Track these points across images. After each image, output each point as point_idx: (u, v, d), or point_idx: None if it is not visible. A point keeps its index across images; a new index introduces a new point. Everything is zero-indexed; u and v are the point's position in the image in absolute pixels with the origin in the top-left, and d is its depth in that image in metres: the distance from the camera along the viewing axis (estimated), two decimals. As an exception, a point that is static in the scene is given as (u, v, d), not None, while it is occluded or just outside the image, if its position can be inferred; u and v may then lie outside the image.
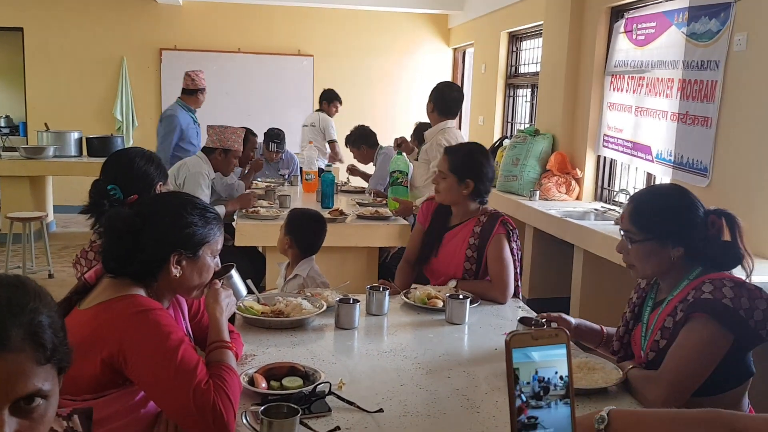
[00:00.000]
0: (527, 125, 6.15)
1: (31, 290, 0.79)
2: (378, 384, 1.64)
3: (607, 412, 1.11)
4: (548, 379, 0.91)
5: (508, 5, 6.39)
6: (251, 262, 3.92)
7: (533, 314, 2.30)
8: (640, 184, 4.48)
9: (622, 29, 4.55)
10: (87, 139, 6.52)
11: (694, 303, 1.58)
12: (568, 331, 0.95)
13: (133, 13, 7.79)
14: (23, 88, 7.88)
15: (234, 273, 1.75)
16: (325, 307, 2.09)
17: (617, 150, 4.58)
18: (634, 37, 4.39)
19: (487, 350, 1.93)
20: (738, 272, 1.66)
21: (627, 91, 4.48)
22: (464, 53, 8.37)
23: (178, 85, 7.98)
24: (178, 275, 1.52)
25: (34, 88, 7.76)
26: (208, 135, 3.93)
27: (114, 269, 1.51)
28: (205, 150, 3.94)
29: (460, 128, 7.35)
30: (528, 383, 0.90)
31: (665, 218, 1.67)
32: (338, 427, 1.39)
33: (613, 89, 4.66)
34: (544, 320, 1.87)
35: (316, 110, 6.55)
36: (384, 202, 4.30)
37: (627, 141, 4.44)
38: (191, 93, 5.11)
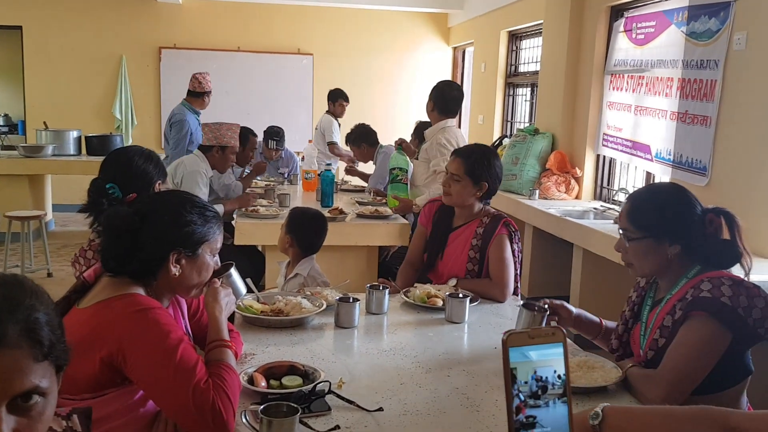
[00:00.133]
0: (527, 124, 6.15)
1: (28, 288, 0.79)
2: (378, 383, 1.64)
3: (601, 408, 1.11)
4: (546, 378, 0.91)
5: (507, 4, 6.39)
6: (251, 261, 3.92)
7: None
8: (640, 184, 4.48)
9: (621, 28, 4.54)
10: (86, 137, 6.51)
11: (692, 301, 1.58)
12: (564, 330, 0.94)
13: (133, 11, 7.78)
14: (22, 87, 7.88)
15: (233, 271, 1.75)
16: (324, 306, 2.09)
17: (617, 149, 4.58)
18: (633, 36, 4.39)
19: (486, 349, 1.93)
20: (737, 271, 1.66)
21: (626, 90, 4.48)
22: (464, 52, 8.37)
23: (178, 84, 7.97)
24: (177, 274, 1.52)
25: (33, 86, 7.75)
26: (204, 133, 3.92)
27: (113, 268, 1.50)
28: (202, 148, 3.93)
29: (460, 127, 7.35)
30: (526, 382, 0.90)
31: (661, 216, 1.68)
32: (338, 426, 1.39)
33: (613, 88, 4.65)
34: (546, 305, 1.87)
35: (325, 111, 6.53)
36: (384, 201, 4.29)
37: (626, 140, 4.44)
38: (197, 95, 5.08)
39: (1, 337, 0.73)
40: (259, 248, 4.27)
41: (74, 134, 6.54)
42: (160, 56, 7.89)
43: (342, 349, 1.91)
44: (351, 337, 1.98)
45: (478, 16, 7.29)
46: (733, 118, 3.40)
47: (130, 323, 1.40)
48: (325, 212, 3.32)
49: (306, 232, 2.71)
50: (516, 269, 2.50)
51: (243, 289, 1.81)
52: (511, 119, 6.71)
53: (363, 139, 5.23)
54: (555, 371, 0.92)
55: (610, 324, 1.96)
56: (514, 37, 6.61)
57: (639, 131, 4.29)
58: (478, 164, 2.47)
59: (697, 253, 1.66)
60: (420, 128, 4.63)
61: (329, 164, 4.62)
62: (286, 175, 5.46)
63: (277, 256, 3.22)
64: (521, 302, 1.93)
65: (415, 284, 2.44)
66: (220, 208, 3.70)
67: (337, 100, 6.44)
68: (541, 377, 0.91)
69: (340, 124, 6.39)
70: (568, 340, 2.00)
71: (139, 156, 2.20)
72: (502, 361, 0.89)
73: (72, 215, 7.05)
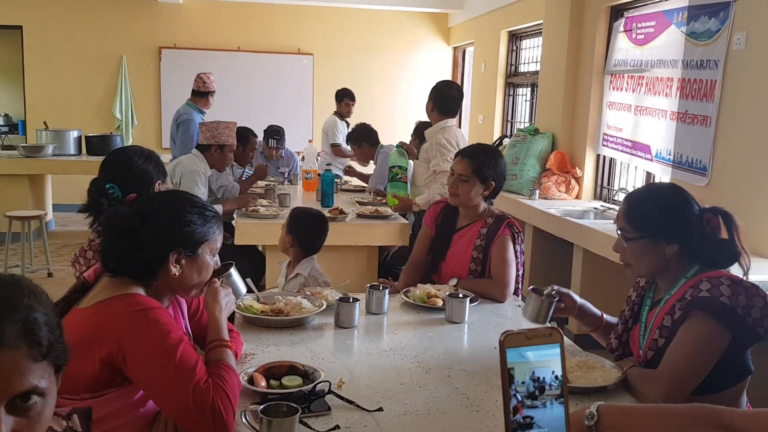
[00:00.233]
0: (527, 124, 6.15)
1: (26, 288, 0.79)
2: (377, 383, 1.64)
3: (596, 408, 1.11)
4: (543, 378, 0.92)
5: (507, 4, 6.39)
6: (251, 261, 3.92)
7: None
8: (640, 183, 4.48)
9: (621, 28, 4.54)
10: (86, 137, 6.51)
11: (691, 301, 1.58)
12: (561, 331, 0.95)
13: (133, 11, 7.78)
14: (22, 87, 7.88)
15: (233, 271, 1.75)
16: (324, 306, 2.09)
17: (617, 149, 4.58)
18: (633, 36, 4.39)
19: (486, 349, 1.93)
20: (735, 270, 1.66)
21: (626, 90, 4.48)
22: (464, 52, 8.37)
23: (178, 84, 7.97)
24: (177, 274, 1.52)
25: (33, 86, 7.75)
26: (201, 132, 3.89)
27: (113, 268, 1.50)
28: (200, 147, 3.90)
29: (460, 127, 7.35)
30: (523, 383, 0.90)
31: (658, 216, 1.68)
32: (338, 426, 1.39)
33: (613, 88, 4.65)
34: (554, 292, 1.89)
35: (333, 112, 6.50)
36: (384, 200, 4.29)
37: (626, 140, 4.44)
38: (202, 95, 5.13)
39: (0, 337, 0.73)
40: (260, 248, 4.27)
41: (74, 134, 6.54)
42: (161, 56, 7.89)
43: (342, 349, 1.91)
44: (351, 337, 1.98)
45: (478, 16, 7.29)
46: (733, 118, 3.40)
47: (130, 323, 1.40)
48: (326, 212, 3.32)
49: (307, 232, 2.72)
50: (518, 270, 2.51)
51: (243, 289, 1.81)
52: (512, 119, 6.71)
53: (364, 138, 5.22)
54: (552, 372, 0.92)
55: (611, 319, 1.97)
56: (515, 37, 6.61)
57: (639, 131, 4.29)
58: (485, 163, 2.49)
59: (696, 253, 1.67)
60: (420, 128, 4.63)
61: (329, 164, 4.62)
62: (286, 175, 5.46)
63: (277, 256, 3.23)
64: (531, 287, 1.93)
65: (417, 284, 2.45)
66: (218, 209, 3.69)
67: (342, 99, 6.41)
68: (539, 378, 0.91)
69: (348, 124, 6.33)
70: (568, 340, 2.01)
71: (139, 156, 2.20)
72: (500, 362, 0.89)
73: (72, 215, 7.05)
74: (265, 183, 5.00)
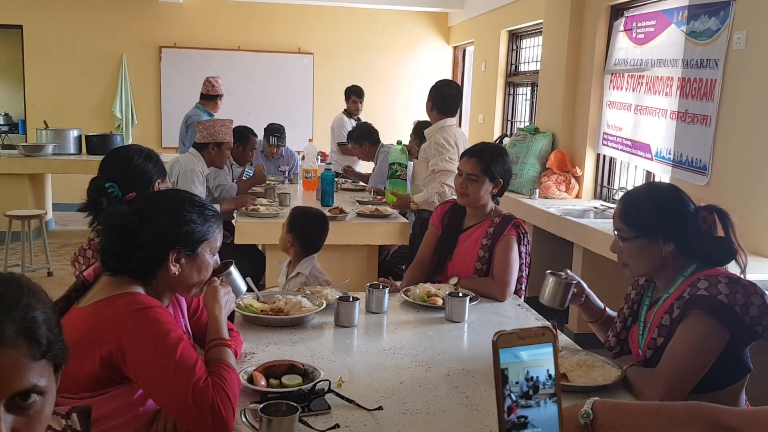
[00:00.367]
0: (527, 123, 6.15)
1: (25, 287, 0.79)
2: (377, 382, 1.64)
3: (591, 406, 1.11)
4: (537, 378, 0.92)
5: (508, 3, 6.39)
6: (251, 260, 3.92)
7: (533, 311, 2.32)
8: (640, 183, 4.48)
9: (621, 27, 4.54)
10: (86, 136, 6.51)
11: (689, 300, 1.59)
12: (554, 330, 0.95)
13: (133, 10, 7.78)
14: (22, 86, 7.88)
15: (233, 269, 1.75)
16: (324, 305, 2.09)
17: (617, 148, 4.58)
18: (633, 35, 4.39)
19: (486, 348, 1.91)
20: (732, 267, 1.66)
21: (626, 89, 4.48)
22: (464, 51, 8.37)
23: (178, 83, 7.97)
24: (177, 273, 1.52)
25: (34, 85, 7.75)
26: (198, 131, 3.86)
27: (112, 267, 1.50)
28: (197, 146, 3.86)
29: (460, 126, 7.35)
30: (517, 383, 0.90)
31: (653, 214, 1.69)
32: (337, 425, 1.39)
33: (613, 87, 4.65)
34: (566, 276, 1.92)
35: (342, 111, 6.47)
36: (384, 200, 4.29)
37: (626, 139, 4.44)
38: (210, 98, 5.29)
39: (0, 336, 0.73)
40: (260, 247, 4.27)
41: (74, 133, 6.54)
42: (161, 55, 7.89)
43: (342, 348, 1.91)
44: (351, 336, 1.98)
45: (478, 16, 7.29)
46: (733, 117, 3.40)
47: (130, 322, 1.41)
48: (326, 211, 3.32)
49: (307, 231, 2.72)
50: (522, 271, 2.50)
51: (243, 288, 1.81)
52: (512, 118, 6.71)
53: (365, 137, 5.21)
54: (546, 371, 0.92)
55: (612, 313, 1.99)
56: (515, 37, 6.61)
57: (639, 130, 4.29)
58: (494, 161, 2.49)
59: (692, 251, 1.67)
60: (418, 128, 4.62)
61: (329, 164, 4.62)
62: (286, 174, 5.46)
63: (277, 255, 3.23)
64: (548, 271, 1.94)
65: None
66: (216, 208, 3.69)
67: (349, 97, 6.38)
68: (532, 377, 0.91)
69: (358, 121, 6.28)
70: (568, 339, 2.01)
71: (139, 155, 2.20)
72: (493, 362, 0.89)
73: (72, 214, 7.05)
74: (266, 182, 5.00)
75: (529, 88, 6.27)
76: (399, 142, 4.20)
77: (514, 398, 0.90)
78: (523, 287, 2.55)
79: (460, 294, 2.19)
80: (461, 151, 3.75)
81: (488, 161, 2.48)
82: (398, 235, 3.79)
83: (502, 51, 6.66)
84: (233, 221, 3.80)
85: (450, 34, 8.47)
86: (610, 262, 3.62)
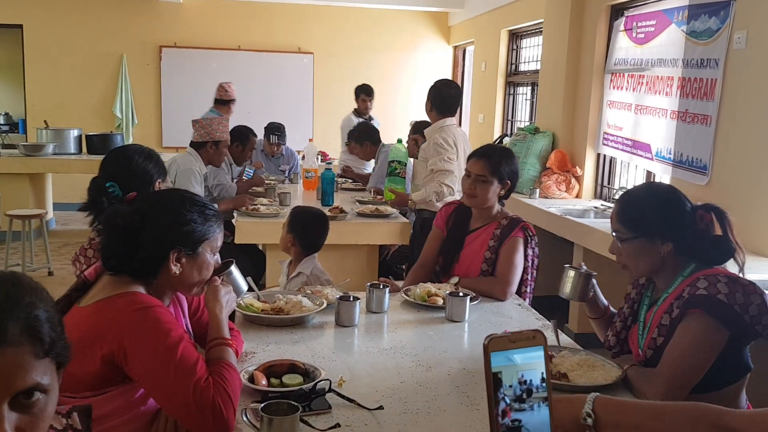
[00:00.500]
0: (527, 123, 6.15)
1: (27, 286, 0.80)
2: (378, 381, 1.64)
3: (591, 407, 1.08)
4: (530, 381, 0.92)
5: (508, 3, 6.39)
6: (251, 260, 3.92)
7: (534, 311, 2.32)
8: (640, 183, 4.48)
9: (622, 27, 4.54)
10: (87, 136, 6.51)
11: (689, 299, 1.59)
12: (545, 334, 0.94)
13: (133, 10, 7.78)
14: (23, 86, 7.88)
15: (234, 268, 1.75)
16: (325, 305, 2.09)
17: (617, 148, 4.58)
18: (634, 35, 4.39)
19: (486, 348, 1.92)
20: (731, 266, 1.66)
21: (627, 89, 4.48)
22: (464, 51, 8.37)
23: (179, 83, 7.97)
24: (177, 272, 1.52)
25: (34, 85, 7.75)
26: (195, 130, 3.83)
27: (113, 267, 1.50)
28: (195, 145, 3.83)
29: (460, 126, 7.34)
30: (510, 386, 0.91)
31: (651, 215, 1.69)
32: (338, 424, 1.39)
33: (613, 87, 4.65)
34: (584, 269, 1.92)
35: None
36: (384, 199, 4.30)
37: (627, 139, 4.44)
38: (224, 103, 5.50)
39: (2, 334, 0.74)
40: (260, 247, 4.27)
41: (75, 133, 6.54)
42: (161, 55, 7.89)
43: (342, 348, 1.91)
44: (351, 336, 1.98)
45: (478, 15, 7.29)
46: (734, 117, 3.40)
47: (131, 321, 1.41)
48: (326, 211, 3.32)
49: (308, 231, 2.72)
50: (528, 273, 2.50)
51: (244, 287, 1.81)
52: (512, 118, 6.71)
53: (366, 137, 5.19)
54: (539, 375, 0.93)
55: (615, 312, 1.98)
56: (515, 36, 6.61)
57: (639, 130, 4.29)
58: (503, 163, 2.48)
59: (691, 251, 1.67)
60: (416, 128, 4.61)
61: (329, 163, 4.62)
62: (287, 173, 5.46)
63: (277, 255, 3.23)
64: (567, 265, 1.93)
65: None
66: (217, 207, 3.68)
67: (359, 96, 6.35)
68: (526, 381, 0.92)
69: (368, 120, 6.23)
70: (569, 338, 2.01)
71: (139, 155, 2.20)
72: (484, 366, 0.89)
73: (73, 214, 7.05)
74: (266, 182, 5.00)
75: (530, 88, 6.27)
76: (399, 141, 4.20)
77: (508, 401, 0.90)
78: (529, 290, 2.53)
79: (461, 294, 2.19)
80: (461, 151, 3.76)
81: (497, 162, 2.47)
82: (398, 234, 3.79)
83: (502, 51, 6.66)
84: (234, 221, 3.80)
85: (450, 34, 8.47)
86: (610, 261, 3.60)
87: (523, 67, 6.52)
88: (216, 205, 2.06)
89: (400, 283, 2.55)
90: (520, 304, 2.37)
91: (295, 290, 2.32)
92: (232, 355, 1.53)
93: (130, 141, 7.59)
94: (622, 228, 1.72)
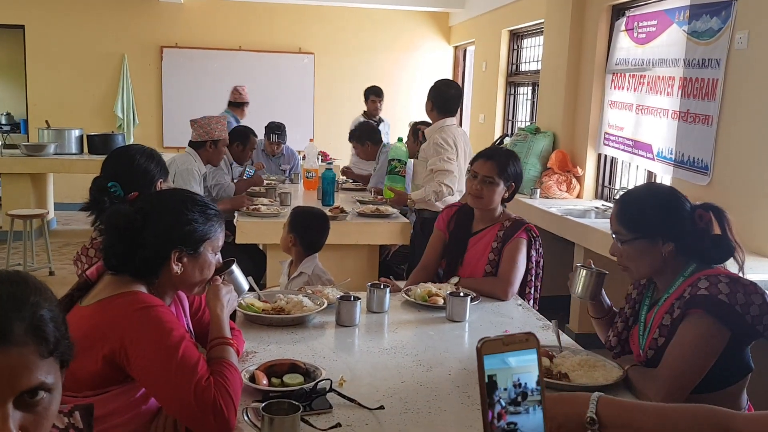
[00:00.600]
0: (528, 123, 6.15)
1: (32, 285, 0.80)
2: (379, 381, 1.64)
3: (594, 410, 1.07)
4: (525, 384, 0.92)
5: (508, 3, 6.39)
6: (252, 260, 3.92)
7: (534, 311, 2.32)
8: (641, 183, 4.48)
9: (623, 27, 4.54)
10: (88, 136, 6.51)
11: (690, 299, 1.59)
12: (537, 337, 0.94)
13: (135, 10, 7.78)
14: (24, 86, 7.89)
15: (235, 268, 1.76)
16: (325, 305, 2.10)
17: (618, 148, 4.58)
18: (635, 35, 4.39)
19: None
20: (731, 264, 1.66)
21: (628, 89, 4.47)
22: (465, 51, 8.37)
23: (180, 83, 7.97)
24: (179, 272, 1.52)
25: (35, 85, 7.76)
26: (193, 129, 3.81)
27: (115, 266, 1.51)
28: (194, 145, 3.81)
29: (461, 126, 7.32)
30: (505, 389, 0.91)
31: (651, 215, 1.68)
32: (339, 424, 1.39)
33: (614, 87, 4.65)
34: (595, 269, 1.90)
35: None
36: (385, 199, 4.30)
37: (628, 139, 4.44)
38: (238, 105, 5.69)
39: (8, 334, 0.74)
40: (260, 247, 4.27)
41: (76, 133, 6.54)
42: (162, 55, 7.90)
43: (343, 348, 1.91)
44: (352, 336, 1.98)
45: (479, 15, 7.29)
46: (735, 117, 3.40)
47: (133, 321, 1.41)
48: (326, 211, 3.32)
49: (309, 231, 2.72)
50: (532, 275, 2.49)
51: (245, 286, 1.81)
52: (513, 118, 6.71)
53: (367, 137, 5.17)
54: (534, 378, 0.93)
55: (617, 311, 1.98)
56: (516, 36, 6.61)
57: (640, 130, 4.29)
58: (510, 165, 2.47)
59: (691, 250, 1.67)
60: (415, 129, 4.60)
61: (330, 163, 4.62)
62: (287, 173, 5.46)
63: (278, 254, 3.23)
64: (578, 264, 1.93)
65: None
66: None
67: (368, 97, 6.31)
68: (521, 384, 0.92)
69: (378, 122, 6.18)
70: (570, 339, 2.01)
71: (141, 154, 2.20)
72: (477, 369, 0.89)
73: (74, 214, 7.06)
74: (266, 182, 5.00)
75: (530, 88, 6.27)
76: (400, 139, 4.20)
77: (503, 404, 0.90)
78: (533, 292, 2.53)
79: (461, 294, 2.20)
80: (461, 151, 3.77)
81: (505, 164, 2.46)
82: (399, 234, 3.79)
83: (503, 51, 6.66)
84: (235, 221, 3.80)
85: (451, 34, 8.46)
86: (611, 262, 3.60)
87: (523, 67, 6.52)
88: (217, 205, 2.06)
89: (400, 283, 2.55)
90: (521, 305, 2.37)
91: (295, 290, 2.32)
92: (233, 354, 1.53)
93: (132, 141, 7.60)
94: (622, 229, 1.72)
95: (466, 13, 7.75)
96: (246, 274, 1.85)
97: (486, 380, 0.90)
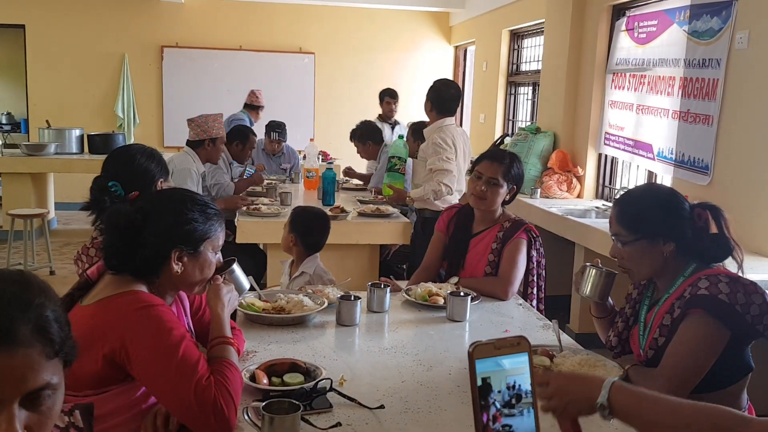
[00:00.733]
0: (528, 123, 6.15)
1: (36, 285, 0.80)
2: (379, 380, 1.64)
3: (607, 397, 1.06)
4: (519, 386, 0.92)
5: (509, 3, 6.39)
6: (252, 260, 3.92)
7: (535, 311, 2.32)
8: (642, 183, 4.48)
9: (623, 27, 4.54)
10: (88, 136, 6.52)
11: (690, 299, 1.59)
12: (529, 340, 0.94)
13: (135, 10, 7.79)
14: (25, 85, 7.89)
15: (236, 267, 1.76)
16: (326, 304, 2.10)
17: (618, 148, 4.57)
18: (635, 35, 4.39)
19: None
20: (729, 263, 1.66)
21: (628, 89, 4.47)
22: (465, 51, 8.37)
23: (180, 82, 7.98)
24: (179, 271, 1.52)
25: (36, 85, 7.76)
26: (191, 128, 3.78)
27: (115, 266, 1.51)
28: (192, 144, 3.77)
29: (461, 126, 7.31)
30: (499, 391, 0.91)
31: (652, 215, 1.68)
32: (339, 423, 1.39)
33: (615, 87, 4.65)
34: (604, 269, 1.89)
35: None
36: (386, 199, 4.30)
37: (628, 139, 4.44)
38: (253, 108, 5.93)
39: (14, 336, 0.74)
40: (261, 246, 4.27)
41: (77, 133, 6.55)
42: (162, 55, 7.90)
43: (343, 347, 1.91)
44: (352, 335, 1.99)
45: (479, 15, 7.29)
46: (735, 117, 3.40)
47: (133, 320, 1.41)
48: (327, 211, 3.32)
49: (310, 230, 2.72)
50: (535, 275, 2.49)
51: (246, 285, 1.81)
52: (513, 118, 6.71)
53: (369, 136, 5.16)
54: (527, 380, 0.93)
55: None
56: (516, 36, 6.61)
57: (641, 130, 4.29)
58: (514, 167, 2.48)
59: (691, 250, 1.67)
60: (415, 129, 4.60)
61: (330, 163, 4.62)
62: (288, 173, 5.47)
63: (278, 254, 3.23)
64: (587, 264, 1.92)
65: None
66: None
67: (383, 99, 6.22)
68: (515, 386, 0.92)
69: (394, 125, 6.12)
70: (569, 338, 2.01)
71: (141, 154, 2.20)
72: (469, 372, 0.89)
73: (74, 213, 7.06)
74: (267, 181, 5.00)
75: (531, 88, 6.27)
76: (401, 137, 4.20)
77: (498, 407, 0.90)
78: (536, 292, 2.52)
79: (462, 293, 2.20)
80: (460, 150, 3.77)
81: (509, 166, 2.47)
82: (399, 234, 3.79)
83: (503, 50, 6.66)
84: (235, 221, 3.80)
85: (451, 34, 8.46)
86: (611, 261, 3.62)
87: (524, 67, 6.52)
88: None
89: (401, 283, 2.55)
90: (521, 304, 2.37)
91: (295, 289, 2.32)
92: (233, 353, 1.53)
93: (132, 141, 7.60)
94: (622, 230, 1.71)
95: (466, 13, 7.75)
96: (246, 274, 1.86)
97: (480, 382, 0.90)
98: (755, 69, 3.27)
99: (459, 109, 7.91)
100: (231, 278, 1.72)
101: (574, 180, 4.91)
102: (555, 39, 5.22)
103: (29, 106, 7.85)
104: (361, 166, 5.84)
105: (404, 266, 4.17)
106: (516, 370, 0.93)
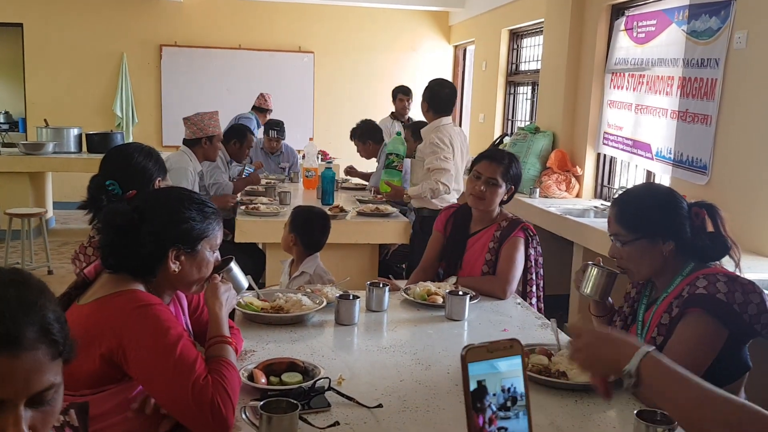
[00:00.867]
0: (528, 123, 6.15)
1: (35, 286, 0.80)
2: (377, 379, 1.64)
3: (637, 367, 1.01)
4: (515, 389, 0.92)
5: (508, 3, 6.39)
6: (251, 259, 3.91)
7: (533, 310, 2.32)
8: (640, 182, 4.48)
9: (622, 27, 4.54)
10: (87, 135, 6.50)
11: (688, 298, 1.59)
12: (521, 343, 0.94)
13: (134, 9, 7.78)
14: (23, 84, 7.88)
15: (234, 265, 1.75)
16: (324, 304, 2.09)
17: (617, 148, 4.58)
18: (634, 34, 4.39)
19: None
20: (726, 262, 1.67)
21: (627, 88, 4.47)
22: (465, 51, 8.37)
23: (179, 81, 7.97)
24: (177, 270, 1.52)
25: (34, 83, 7.75)
26: (187, 127, 3.75)
27: (113, 265, 1.50)
28: (188, 143, 3.74)
29: (460, 125, 7.32)
30: (494, 394, 0.91)
31: (652, 214, 1.69)
32: (337, 422, 1.39)
33: (614, 87, 4.65)
34: (608, 267, 1.88)
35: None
36: (385, 199, 4.30)
37: (627, 139, 4.44)
38: (262, 110, 5.97)
39: (21, 340, 0.74)
40: (260, 246, 4.27)
41: (75, 132, 6.54)
42: (161, 54, 7.89)
43: (342, 346, 1.91)
44: (351, 334, 1.98)
45: (479, 15, 7.29)
46: (734, 117, 3.40)
47: (131, 319, 1.41)
48: (326, 210, 3.32)
49: (310, 230, 2.72)
50: (534, 273, 2.49)
51: (244, 284, 1.81)
52: (512, 118, 6.71)
53: (369, 135, 5.14)
54: (521, 382, 0.93)
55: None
56: (515, 36, 6.61)
57: (639, 130, 4.29)
58: (513, 168, 2.48)
59: (689, 249, 1.67)
60: (413, 130, 4.59)
61: (330, 162, 4.62)
62: (287, 171, 5.47)
63: (278, 254, 3.23)
64: (589, 262, 1.91)
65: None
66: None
67: (395, 97, 6.09)
68: (509, 389, 0.92)
69: (405, 123, 5.97)
70: (568, 337, 2.00)
71: (139, 153, 2.20)
72: (462, 376, 0.89)
73: (73, 212, 7.05)
74: (266, 181, 5.00)
75: (530, 88, 6.27)
76: (399, 134, 4.20)
77: (494, 409, 0.90)
78: (535, 290, 2.52)
79: (460, 292, 2.20)
80: (457, 150, 3.76)
81: (508, 166, 2.47)
82: (399, 233, 3.79)
83: (502, 50, 6.65)
84: (235, 219, 3.80)
85: (451, 33, 8.46)
86: (611, 261, 3.62)
87: (523, 67, 6.52)
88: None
89: (400, 282, 2.55)
90: (519, 303, 2.37)
91: (294, 289, 2.32)
92: (231, 353, 1.53)
93: (131, 140, 7.59)
94: (621, 230, 1.71)
95: (466, 13, 7.75)
96: (245, 273, 1.85)
97: (475, 385, 0.90)
98: (754, 69, 3.27)
99: (458, 109, 7.92)
100: (229, 277, 1.72)
101: (573, 180, 4.91)
102: (554, 39, 5.22)
103: (27, 105, 7.84)
104: (363, 165, 5.83)
105: (403, 266, 4.17)
106: (511, 372, 0.92)
